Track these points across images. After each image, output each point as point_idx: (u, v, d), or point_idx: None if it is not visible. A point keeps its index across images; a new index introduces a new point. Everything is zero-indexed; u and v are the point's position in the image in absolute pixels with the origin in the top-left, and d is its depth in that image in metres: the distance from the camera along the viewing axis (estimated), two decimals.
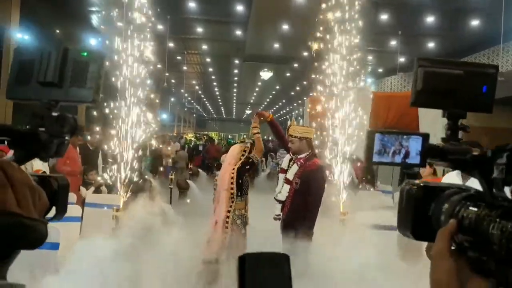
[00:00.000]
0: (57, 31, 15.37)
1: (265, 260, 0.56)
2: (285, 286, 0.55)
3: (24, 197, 0.57)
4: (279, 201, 4.09)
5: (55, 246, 3.17)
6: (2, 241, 0.54)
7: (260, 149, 4.34)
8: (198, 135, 29.75)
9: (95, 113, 5.22)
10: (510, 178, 0.57)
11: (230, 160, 4.22)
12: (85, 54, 0.73)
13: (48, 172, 5.84)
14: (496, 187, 0.59)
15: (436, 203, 0.64)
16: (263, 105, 37.15)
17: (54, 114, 0.71)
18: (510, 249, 0.50)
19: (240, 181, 4.12)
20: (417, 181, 0.68)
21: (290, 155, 4.21)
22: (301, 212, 3.92)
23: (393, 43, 15.07)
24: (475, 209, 0.57)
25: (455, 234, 0.58)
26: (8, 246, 0.56)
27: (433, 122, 6.19)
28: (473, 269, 0.57)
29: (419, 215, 0.65)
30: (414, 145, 0.68)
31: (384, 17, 12.64)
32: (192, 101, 35.82)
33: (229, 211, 4.03)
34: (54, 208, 0.71)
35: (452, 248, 0.59)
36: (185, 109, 38.53)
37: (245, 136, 29.05)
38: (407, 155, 0.68)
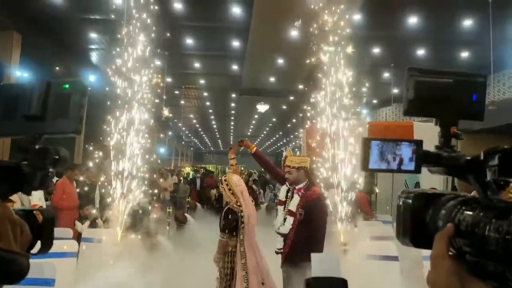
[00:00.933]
0: (57, 68, 15.64)
1: (327, 283, 0.65)
2: None
3: (4, 231, 0.57)
4: (281, 234, 3.99)
5: (50, 283, 3.09)
6: None
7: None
8: (195, 168, 29.68)
9: (91, 148, 5.24)
10: (502, 179, 0.58)
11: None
12: (67, 86, 0.75)
13: (45, 206, 5.78)
14: (491, 190, 0.59)
15: (433, 209, 0.64)
16: (260, 137, 37.35)
17: (37, 147, 0.72)
18: (508, 248, 0.49)
19: None
20: (413, 189, 0.69)
21: (286, 185, 4.16)
22: (306, 243, 3.85)
23: (386, 74, 15.41)
24: (471, 212, 0.57)
25: (453, 238, 0.58)
26: None
27: (431, 148, 6.23)
28: (472, 272, 0.56)
29: (417, 223, 0.65)
30: (407, 151, 0.69)
31: (376, 50, 13.00)
32: (190, 135, 36.01)
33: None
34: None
35: (451, 253, 0.59)
36: (183, 142, 38.65)
37: (242, 168, 28.96)
38: (401, 162, 0.69)
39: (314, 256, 3.64)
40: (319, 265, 3.62)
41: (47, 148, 0.72)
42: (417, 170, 0.70)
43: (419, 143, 0.70)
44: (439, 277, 0.58)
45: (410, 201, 0.67)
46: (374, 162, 0.70)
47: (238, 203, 4.01)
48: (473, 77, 0.72)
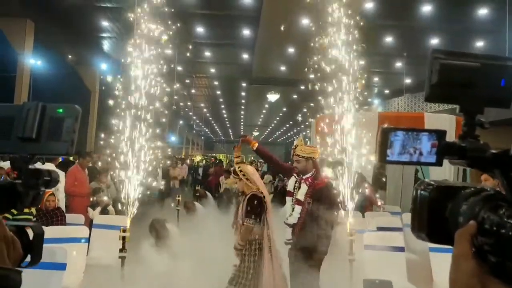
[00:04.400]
0: (69, 56, 15.78)
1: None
2: None
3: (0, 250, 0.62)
4: (289, 225, 4.01)
5: (62, 267, 3.19)
6: None
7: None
8: (206, 157, 29.86)
9: (103, 135, 5.31)
10: None
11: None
12: (61, 110, 0.78)
13: (57, 194, 5.91)
14: None
15: (453, 203, 0.60)
16: (270, 127, 37.30)
17: (31, 167, 0.76)
18: None
19: None
20: (431, 181, 0.64)
21: (294, 176, 4.18)
22: (315, 232, 3.89)
23: (399, 64, 15.21)
24: (496, 210, 0.54)
25: (475, 237, 0.55)
26: None
27: None
28: (494, 274, 0.53)
29: (435, 217, 0.61)
30: (428, 143, 0.64)
31: (389, 39, 12.81)
32: (200, 124, 36.15)
33: None
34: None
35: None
36: (193, 131, 38.83)
37: (252, 157, 29.04)
38: (421, 154, 0.65)
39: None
40: None
41: (40, 170, 0.77)
42: (439, 163, 0.65)
43: (441, 134, 0.65)
44: (460, 277, 0.56)
45: (428, 193, 0.62)
46: (392, 153, 0.65)
47: (260, 190, 3.93)
48: (502, 60, 0.66)
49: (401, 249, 4.45)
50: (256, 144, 4.26)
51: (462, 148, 0.63)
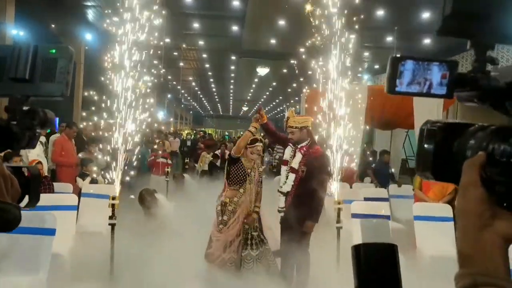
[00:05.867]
0: (53, 26, 15.29)
1: (377, 249, 0.65)
2: (393, 271, 0.64)
3: None
4: (283, 193, 4.09)
5: (51, 232, 3.20)
6: None
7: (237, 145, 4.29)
8: (195, 131, 29.78)
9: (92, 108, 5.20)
10: None
11: None
12: (54, 51, 0.77)
13: (44, 162, 5.86)
14: None
15: (460, 140, 0.59)
16: (260, 102, 37.10)
17: (25, 108, 0.75)
18: None
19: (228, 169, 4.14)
20: (437, 120, 0.63)
21: (291, 146, 4.21)
22: (307, 199, 3.95)
23: (389, 39, 15.12)
24: (508, 139, 0.53)
25: (483, 168, 0.54)
26: None
27: (430, 117, 6.17)
28: (503, 204, 0.53)
29: (440, 154, 0.60)
30: (438, 74, 0.63)
31: (380, 12, 12.67)
32: (189, 98, 35.77)
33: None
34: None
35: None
36: (182, 105, 38.47)
37: (241, 132, 29.03)
38: (430, 86, 0.63)
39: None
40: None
41: (35, 110, 0.76)
42: (449, 95, 0.62)
43: (453, 64, 0.63)
44: (469, 205, 0.54)
45: (434, 131, 0.61)
46: (401, 84, 0.63)
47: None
48: None
49: (387, 218, 4.56)
50: (266, 120, 4.28)
51: (475, 78, 0.61)
